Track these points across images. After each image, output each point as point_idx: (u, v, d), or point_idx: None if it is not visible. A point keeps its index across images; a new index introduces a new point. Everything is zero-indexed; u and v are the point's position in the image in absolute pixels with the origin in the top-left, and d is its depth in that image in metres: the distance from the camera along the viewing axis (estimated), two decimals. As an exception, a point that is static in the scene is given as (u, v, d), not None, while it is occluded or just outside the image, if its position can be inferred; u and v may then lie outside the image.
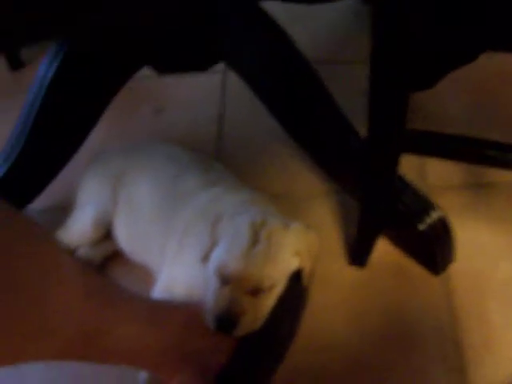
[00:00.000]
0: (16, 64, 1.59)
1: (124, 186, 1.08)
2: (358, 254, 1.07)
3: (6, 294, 0.57)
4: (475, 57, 0.74)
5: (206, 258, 0.88)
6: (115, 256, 1.13)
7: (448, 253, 1.04)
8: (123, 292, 0.81)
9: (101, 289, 0.76)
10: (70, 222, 1.12)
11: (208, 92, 1.43)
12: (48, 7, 0.83)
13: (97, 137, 1.16)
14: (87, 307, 0.70)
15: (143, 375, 0.93)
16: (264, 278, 0.84)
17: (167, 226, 1.00)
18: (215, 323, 0.83)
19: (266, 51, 1.12)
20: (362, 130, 0.89)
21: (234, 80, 1.21)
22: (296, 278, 0.89)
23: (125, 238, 1.09)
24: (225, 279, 0.84)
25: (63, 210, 1.16)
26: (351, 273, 1.08)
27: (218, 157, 1.29)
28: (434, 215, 1.02)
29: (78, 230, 1.10)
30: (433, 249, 1.04)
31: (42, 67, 1.09)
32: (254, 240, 0.84)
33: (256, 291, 0.84)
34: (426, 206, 1.04)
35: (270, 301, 0.86)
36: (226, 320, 0.83)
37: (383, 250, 1.08)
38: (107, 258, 1.13)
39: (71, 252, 1.09)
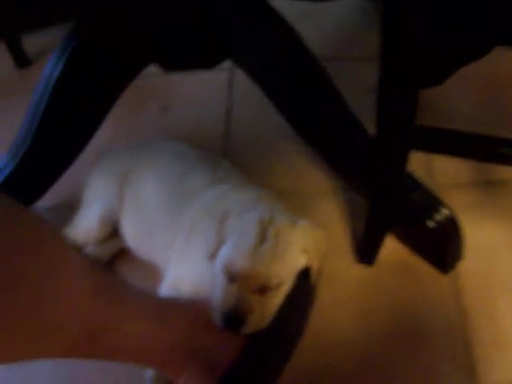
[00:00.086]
0: (22, 62, 1.59)
1: (130, 183, 1.08)
2: (366, 252, 1.07)
3: (13, 290, 0.57)
4: (485, 53, 0.73)
5: (213, 255, 0.88)
6: (122, 253, 1.13)
7: (457, 251, 1.04)
8: (130, 289, 0.81)
9: (108, 286, 0.75)
10: (76, 219, 1.12)
11: (215, 89, 1.43)
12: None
13: (103, 135, 1.16)
14: (94, 304, 0.70)
15: (150, 373, 0.92)
16: (271, 277, 0.83)
17: (174, 223, 1.00)
18: (223, 321, 0.83)
19: (274, 48, 1.11)
20: (370, 128, 0.89)
21: (241, 77, 1.21)
22: (304, 275, 0.88)
23: (131, 235, 1.09)
24: (232, 277, 0.84)
25: (70, 208, 1.16)
26: (358, 271, 1.07)
27: (224, 154, 1.28)
28: (443, 213, 1.02)
29: (84, 227, 1.10)
30: (441, 247, 1.03)
31: (47, 66, 1.09)
32: (262, 238, 0.84)
33: (263, 289, 0.84)
34: (434, 203, 1.03)
35: (277, 299, 0.85)
36: (234, 318, 0.83)
37: (391, 247, 1.08)
38: (114, 256, 1.13)
39: (78, 249, 1.09)
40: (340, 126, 1.11)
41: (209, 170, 1.04)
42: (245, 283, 0.83)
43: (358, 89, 1.11)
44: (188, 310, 0.86)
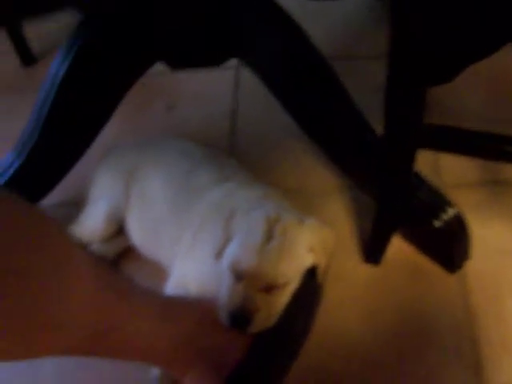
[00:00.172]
0: (28, 60, 1.59)
1: (137, 180, 1.08)
2: (373, 251, 1.07)
3: (18, 287, 0.57)
4: (495, 50, 0.73)
5: (219, 253, 0.88)
6: (127, 252, 1.13)
7: (464, 250, 1.03)
8: (136, 287, 0.80)
9: (113, 283, 0.75)
10: (82, 217, 1.12)
11: (221, 88, 1.43)
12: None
13: (109, 133, 1.16)
14: (99, 302, 0.70)
15: (155, 372, 0.92)
16: (278, 275, 0.83)
17: (181, 219, 1.00)
18: (229, 320, 0.83)
19: (281, 46, 1.11)
20: (378, 127, 0.88)
21: (247, 76, 1.20)
22: (310, 274, 0.88)
23: (137, 233, 1.08)
24: (238, 275, 0.84)
25: (76, 206, 1.16)
26: (365, 270, 1.07)
27: (231, 152, 1.28)
28: (450, 212, 1.01)
29: (90, 224, 1.10)
30: (449, 246, 1.03)
31: (53, 64, 1.08)
32: (269, 236, 0.83)
33: (270, 288, 0.83)
34: (441, 202, 1.03)
35: (283, 298, 0.85)
36: (240, 317, 0.82)
37: (398, 247, 1.07)
38: (119, 255, 1.13)
39: (84, 246, 1.09)
40: (347, 124, 1.11)
41: (215, 168, 1.04)
42: (251, 282, 0.83)
43: (366, 87, 1.10)
44: (194, 308, 0.85)
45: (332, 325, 0.99)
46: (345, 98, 1.09)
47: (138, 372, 0.93)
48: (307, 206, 1.12)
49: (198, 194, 1.00)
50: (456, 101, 1.26)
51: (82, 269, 0.66)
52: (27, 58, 1.59)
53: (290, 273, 0.84)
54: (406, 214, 1.02)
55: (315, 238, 0.86)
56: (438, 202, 1.03)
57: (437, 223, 1.01)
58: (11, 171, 1.11)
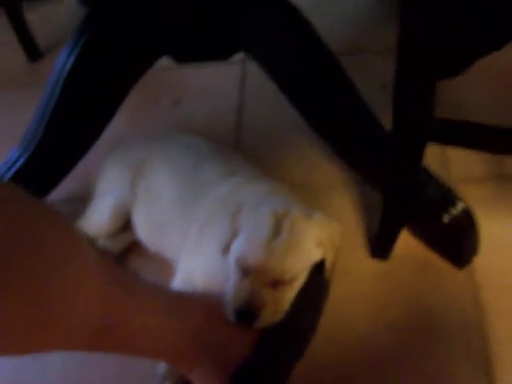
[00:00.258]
0: (34, 55, 1.59)
1: (143, 175, 1.07)
2: (380, 246, 1.06)
3: (23, 281, 0.57)
4: (504, 43, 0.72)
5: (226, 248, 0.87)
6: (133, 247, 1.12)
7: (473, 245, 1.02)
8: (142, 282, 0.80)
9: (120, 278, 0.75)
10: (89, 211, 1.11)
11: (227, 82, 1.42)
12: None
13: (116, 127, 1.16)
14: (106, 296, 0.69)
15: (162, 368, 0.92)
16: (285, 271, 0.83)
17: (187, 215, 0.99)
18: (235, 315, 0.83)
19: (288, 41, 1.10)
20: (386, 121, 0.88)
21: (254, 70, 1.20)
22: (317, 269, 0.87)
23: (143, 227, 1.08)
24: (245, 270, 0.83)
25: (82, 201, 1.16)
26: (372, 265, 1.06)
27: (237, 147, 1.28)
28: (459, 207, 1.00)
29: (97, 219, 1.10)
30: (457, 241, 1.02)
31: (60, 59, 1.08)
32: (276, 230, 0.83)
33: (277, 283, 0.83)
34: (450, 197, 1.02)
35: (290, 293, 0.84)
36: (247, 312, 0.82)
37: (405, 242, 1.06)
38: (125, 250, 1.13)
39: (92, 241, 1.08)
40: (354, 119, 1.10)
41: (221, 163, 1.04)
42: (258, 277, 0.82)
43: (375, 82, 1.10)
44: (201, 303, 0.85)
45: (339, 320, 0.99)
46: (352, 93, 1.08)
47: (144, 367, 0.93)
48: (313, 200, 1.12)
49: (205, 188, 1.00)
50: (464, 95, 1.25)
51: (88, 263, 0.66)
52: (33, 53, 1.59)
53: (297, 268, 0.84)
54: (414, 210, 1.02)
55: (323, 233, 0.86)
56: (447, 197, 1.03)
57: (445, 218, 1.00)
58: (17, 166, 1.11)
